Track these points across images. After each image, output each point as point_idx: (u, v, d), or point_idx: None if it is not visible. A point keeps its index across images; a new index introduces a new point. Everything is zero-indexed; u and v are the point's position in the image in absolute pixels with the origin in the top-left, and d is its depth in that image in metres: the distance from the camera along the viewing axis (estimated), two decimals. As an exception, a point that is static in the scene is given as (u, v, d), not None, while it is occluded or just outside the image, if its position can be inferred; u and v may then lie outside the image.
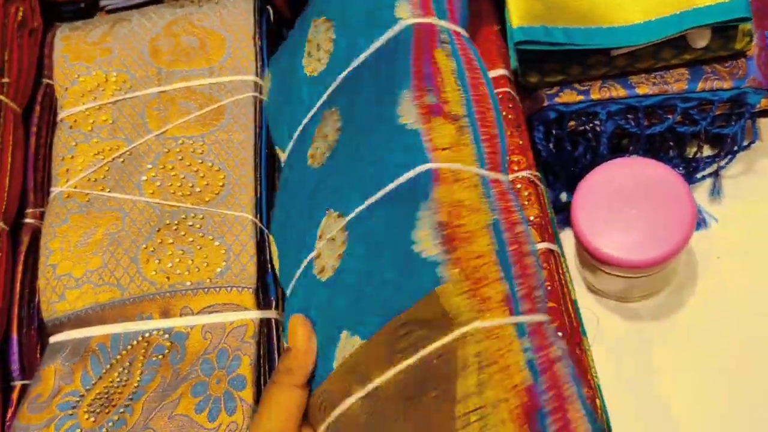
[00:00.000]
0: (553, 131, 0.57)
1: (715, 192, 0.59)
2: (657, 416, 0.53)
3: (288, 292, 0.46)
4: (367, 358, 0.35)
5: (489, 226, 0.36)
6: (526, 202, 0.51)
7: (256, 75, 0.57)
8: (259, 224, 0.52)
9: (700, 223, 0.58)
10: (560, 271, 0.51)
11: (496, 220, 0.36)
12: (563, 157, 0.58)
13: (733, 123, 0.55)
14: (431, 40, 0.41)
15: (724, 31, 0.51)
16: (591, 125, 0.56)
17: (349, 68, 0.44)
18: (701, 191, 0.60)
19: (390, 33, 0.42)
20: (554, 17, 0.51)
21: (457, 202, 0.36)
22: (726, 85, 0.53)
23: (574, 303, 0.54)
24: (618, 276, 0.52)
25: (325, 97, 0.46)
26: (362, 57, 0.43)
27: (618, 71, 0.54)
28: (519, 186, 0.52)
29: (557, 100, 0.55)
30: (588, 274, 0.56)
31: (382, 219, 0.37)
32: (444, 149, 0.37)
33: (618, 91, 0.54)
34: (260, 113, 0.56)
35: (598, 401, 0.49)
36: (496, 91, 0.54)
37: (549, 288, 0.48)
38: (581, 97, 0.54)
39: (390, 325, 0.35)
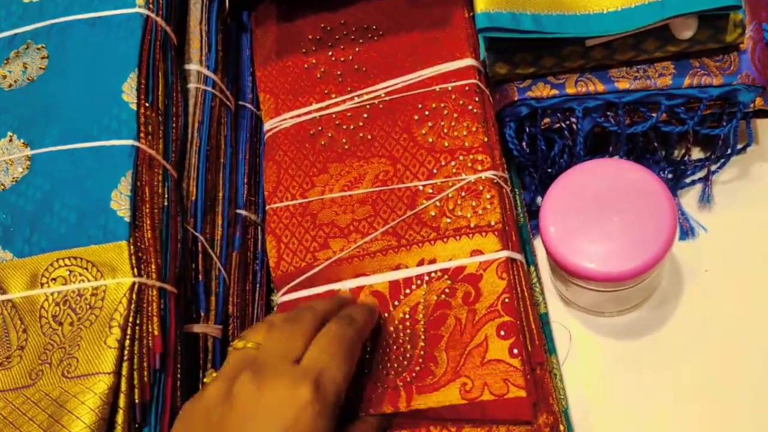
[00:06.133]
0: (527, 128, 0.52)
1: (705, 199, 0.54)
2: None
3: None
4: (13, 272, 0.41)
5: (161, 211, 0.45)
6: (488, 206, 0.46)
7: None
8: None
9: (688, 232, 0.53)
10: (522, 283, 0.46)
11: (167, 207, 0.46)
12: (537, 157, 0.53)
13: (724, 123, 0.50)
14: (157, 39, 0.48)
15: (713, 20, 0.46)
16: (567, 122, 0.51)
17: (66, 17, 0.48)
18: (690, 197, 0.55)
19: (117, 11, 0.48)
20: (523, 2, 0.46)
21: (145, 183, 0.44)
22: (715, 81, 0.48)
23: (540, 318, 0.49)
24: (589, 289, 0.47)
25: (31, 27, 0.49)
26: (83, 16, 0.48)
27: (595, 63, 0.49)
28: (481, 188, 0.47)
29: (529, 94, 0.50)
30: (560, 285, 0.51)
31: (82, 166, 0.43)
32: (147, 134, 0.46)
33: (596, 86, 0.49)
34: None
35: (562, 427, 0.45)
36: (462, 82, 0.50)
37: (507, 300, 0.44)
38: (555, 92, 0.49)
39: (55, 254, 0.41)
